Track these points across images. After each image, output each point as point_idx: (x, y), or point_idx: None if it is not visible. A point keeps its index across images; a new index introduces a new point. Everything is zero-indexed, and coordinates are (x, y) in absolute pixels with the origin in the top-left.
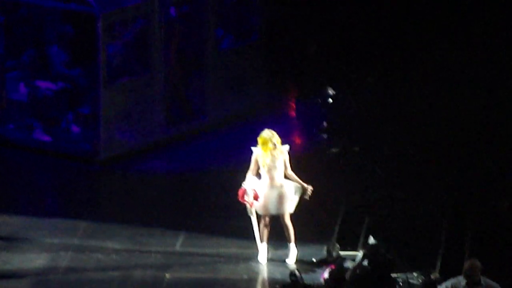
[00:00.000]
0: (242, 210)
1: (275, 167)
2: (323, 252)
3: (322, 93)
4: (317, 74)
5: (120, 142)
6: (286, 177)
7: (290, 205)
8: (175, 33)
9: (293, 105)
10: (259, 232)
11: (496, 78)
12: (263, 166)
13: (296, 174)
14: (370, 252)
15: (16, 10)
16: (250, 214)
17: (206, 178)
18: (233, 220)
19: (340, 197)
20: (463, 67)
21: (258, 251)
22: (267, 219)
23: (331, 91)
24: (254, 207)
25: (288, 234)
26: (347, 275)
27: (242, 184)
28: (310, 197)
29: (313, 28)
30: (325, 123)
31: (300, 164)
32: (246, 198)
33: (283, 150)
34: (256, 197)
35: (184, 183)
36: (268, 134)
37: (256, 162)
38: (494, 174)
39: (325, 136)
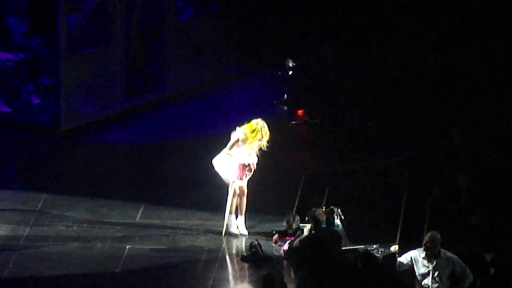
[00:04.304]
0: (201, 183)
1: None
2: (284, 224)
3: (281, 65)
4: (277, 46)
5: (80, 114)
6: None
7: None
8: (135, 5)
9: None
10: (236, 204)
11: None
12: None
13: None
14: (313, 224)
15: None
16: (231, 189)
17: (166, 150)
18: (192, 192)
19: (301, 169)
20: (421, 39)
21: (220, 222)
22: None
23: (290, 63)
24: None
25: (243, 206)
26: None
27: (239, 160)
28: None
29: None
30: (285, 95)
31: None
32: (247, 173)
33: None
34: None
35: (144, 155)
36: (260, 125)
37: (237, 141)
38: (455, 147)
39: (285, 108)
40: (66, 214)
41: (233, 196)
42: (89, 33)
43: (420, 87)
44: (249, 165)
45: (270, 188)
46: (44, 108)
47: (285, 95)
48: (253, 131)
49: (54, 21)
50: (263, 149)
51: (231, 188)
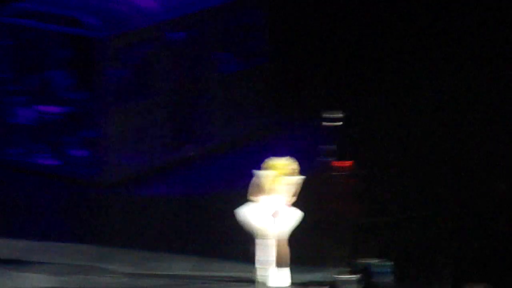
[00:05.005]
0: (245, 234)
1: (283, 192)
2: (332, 276)
3: (328, 116)
4: (324, 97)
5: (124, 166)
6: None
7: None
8: (180, 57)
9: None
10: (269, 255)
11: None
12: (272, 191)
13: (304, 196)
14: (361, 275)
15: (22, 34)
16: (263, 238)
17: (210, 202)
18: (239, 244)
19: (347, 220)
20: (465, 90)
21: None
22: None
23: (337, 114)
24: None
25: (281, 258)
26: None
27: (272, 206)
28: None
29: (319, 52)
30: (331, 146)
31: (307, 187)
32: (275, 219)
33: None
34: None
35: (189, 207)
36: (284, 161)
37: (263, 185)
38: (501, 194)
39: (331, 159)
40: (112, 266)
41: (262, 245)
42: (133, 85)
43: (468, 133)
44: (275, 211)
45: (317, 239)
46: (88, 161)
47: (331, 146)
48: (276, 168)
49: (98, 74)
50: (295, 180)
51: (260, 237)
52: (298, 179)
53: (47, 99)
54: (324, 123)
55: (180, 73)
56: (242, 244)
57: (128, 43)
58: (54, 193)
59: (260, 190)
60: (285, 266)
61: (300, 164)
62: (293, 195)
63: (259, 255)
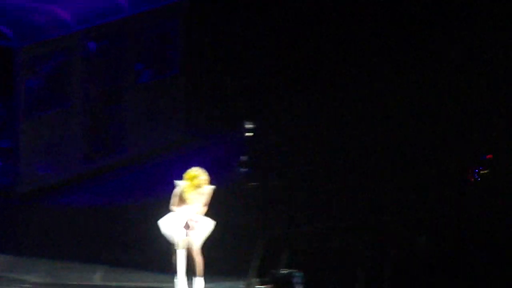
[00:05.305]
0: (161, 245)
1: (195, 202)
2: (241, 286)
3: (242, 127)
4: (237, 108)
5: (39, 176)
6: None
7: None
8: (94, 67)
9: None
10: (182, 265)
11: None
12: (186, 200)
13: (215, 207)
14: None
15: None
16: (177, 248)
17: (125, 212)
18: (151, 254)
19: (260, 230)
20: (377, 101)
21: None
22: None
23: (250, 125)
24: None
25: (195, 267)
26: None
27: (189, 217)
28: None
29: (233, 63)
30: (245, 157)
31: (219, 198)
32: (190, 229)
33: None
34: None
35: (104, 217)
36: (196, 172)
37: (180, 195)
38: (413, 209)
39: (244, 169)
40: (23, 276)
41: (181, 255)
42: (48, 95)
43: (383, 142)
44: (191, 220)
45: (228, 249)
46: (2, 170)
47: (245, 157)
48: (188, 179)
49: (13, 83)
50: (206, 190)
51: (179, 246)
52: (209, 189)
53: None
54: (238, 134)
55: (95, 82)
56: (159, 254)
57: (43, 53)
58: None
59: (179, 200)
60: (199, 275)
61: (215, 174)
62: (205, 205)
63: (178, 265)
